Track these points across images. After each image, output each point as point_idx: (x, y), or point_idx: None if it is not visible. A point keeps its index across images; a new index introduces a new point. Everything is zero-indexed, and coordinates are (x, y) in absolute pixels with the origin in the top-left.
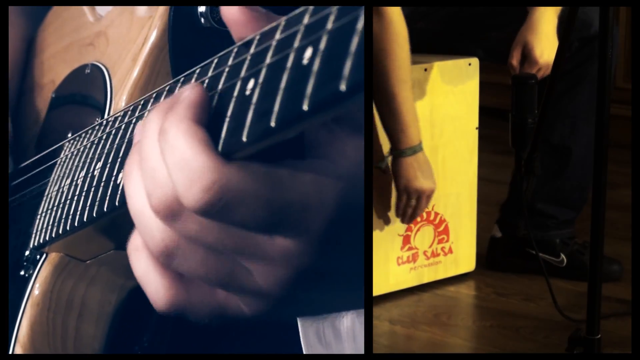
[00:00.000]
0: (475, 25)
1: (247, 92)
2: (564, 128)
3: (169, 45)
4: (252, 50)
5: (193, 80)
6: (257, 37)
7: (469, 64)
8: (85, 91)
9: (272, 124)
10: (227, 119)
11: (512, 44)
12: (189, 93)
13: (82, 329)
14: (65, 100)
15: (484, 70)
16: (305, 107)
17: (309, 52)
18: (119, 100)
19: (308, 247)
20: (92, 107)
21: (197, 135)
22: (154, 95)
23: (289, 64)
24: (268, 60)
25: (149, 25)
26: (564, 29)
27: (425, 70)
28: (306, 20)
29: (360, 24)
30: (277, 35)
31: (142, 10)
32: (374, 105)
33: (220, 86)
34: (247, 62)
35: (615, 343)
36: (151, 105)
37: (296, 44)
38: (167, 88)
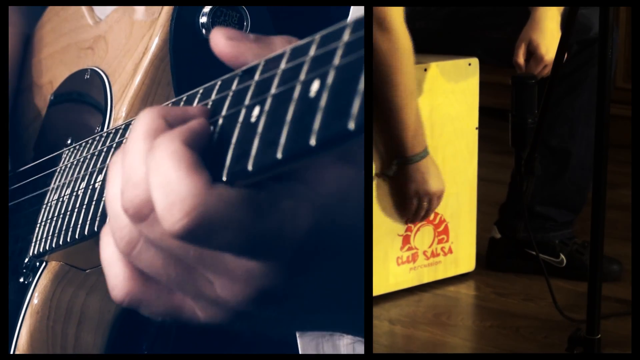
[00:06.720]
0: (475, 24)
1: (253, 120)
2: (563, 131)
3: (170, 56)
4: (256, 77)
5: (195, 101)
6: (262, 64)
7: (469, 64)
8: (85, 97)
9: (279, 155)
10: (232, 146)
11: (517, 43)
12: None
13: (81, 338)
14: (65, 105)
15: (484, 70)
16: (312, 142)
17: (315, 86)
18: (119, 110)
19: (271, 271)
20: (93, 113)
21: (185, 158)
22: None
23: (296, 95)
24: (274, 89)
25: (149, 35)
26: (563, 30)
27: (425, 70)
28: (312, 52)
29: None
30: (283, 65)
31: (141, 15)
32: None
33: (224, 111)
34: (251, 89)
35: (615, 343)
36: None
37: (302, 76)
38: (169, 105)
